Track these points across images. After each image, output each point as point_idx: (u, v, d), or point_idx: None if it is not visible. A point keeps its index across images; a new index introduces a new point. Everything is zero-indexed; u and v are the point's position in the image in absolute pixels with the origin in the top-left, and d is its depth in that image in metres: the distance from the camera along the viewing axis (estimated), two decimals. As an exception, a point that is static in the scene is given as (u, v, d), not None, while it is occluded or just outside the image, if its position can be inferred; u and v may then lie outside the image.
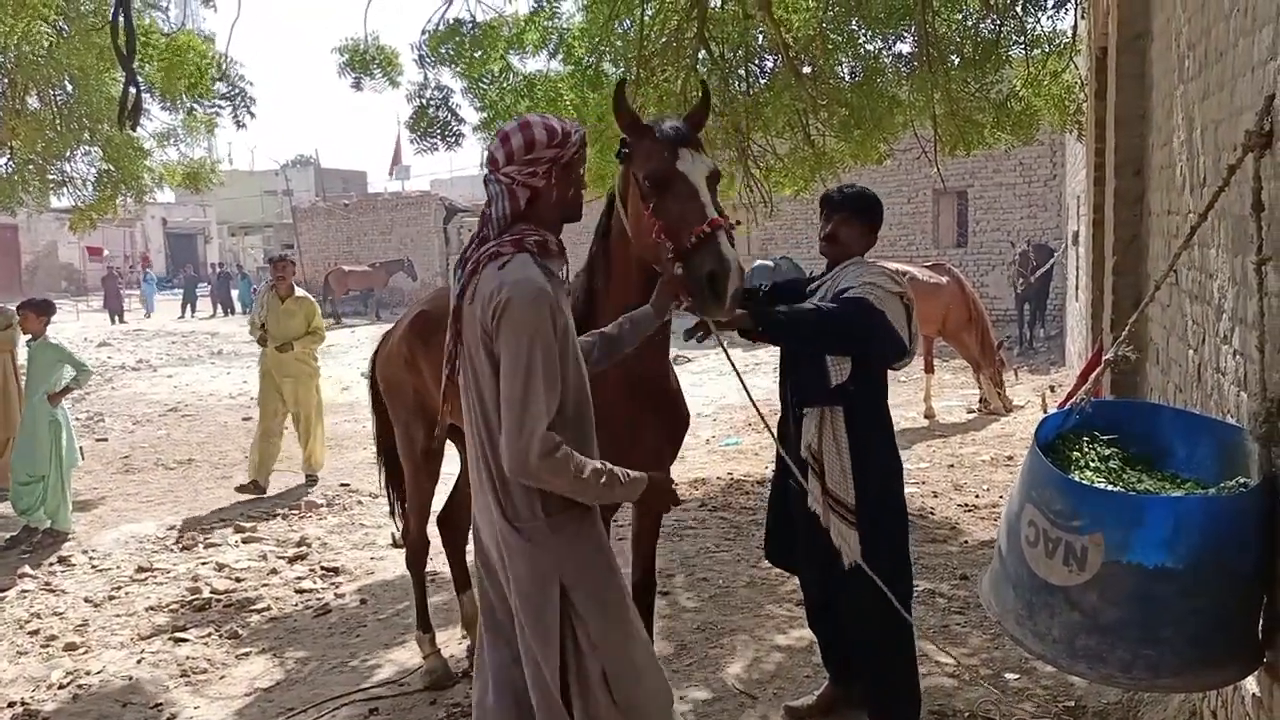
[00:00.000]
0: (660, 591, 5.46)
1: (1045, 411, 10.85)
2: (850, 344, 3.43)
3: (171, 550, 7.10)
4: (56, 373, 7.49)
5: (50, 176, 9.26)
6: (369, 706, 4.32)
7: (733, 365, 3.48)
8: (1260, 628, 2.37)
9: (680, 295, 2.93)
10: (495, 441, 2.48)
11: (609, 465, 2.50)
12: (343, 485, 8.97)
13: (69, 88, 8.76)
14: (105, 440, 11.85)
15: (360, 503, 8.33)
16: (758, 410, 3.55)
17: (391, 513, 5.05)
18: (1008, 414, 11.24)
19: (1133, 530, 2.26)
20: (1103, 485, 2.48)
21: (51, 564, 6.81)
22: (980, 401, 11.53)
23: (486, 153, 2.59)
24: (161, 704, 4.51)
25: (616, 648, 2.54)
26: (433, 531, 4.85)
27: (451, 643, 4.95)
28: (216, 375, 18.17)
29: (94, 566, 6.77)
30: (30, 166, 9.43)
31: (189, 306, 33.09)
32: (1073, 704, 4.02)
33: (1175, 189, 3.90)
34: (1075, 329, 11.68)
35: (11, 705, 4.49)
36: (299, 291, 8.96)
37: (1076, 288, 11.41)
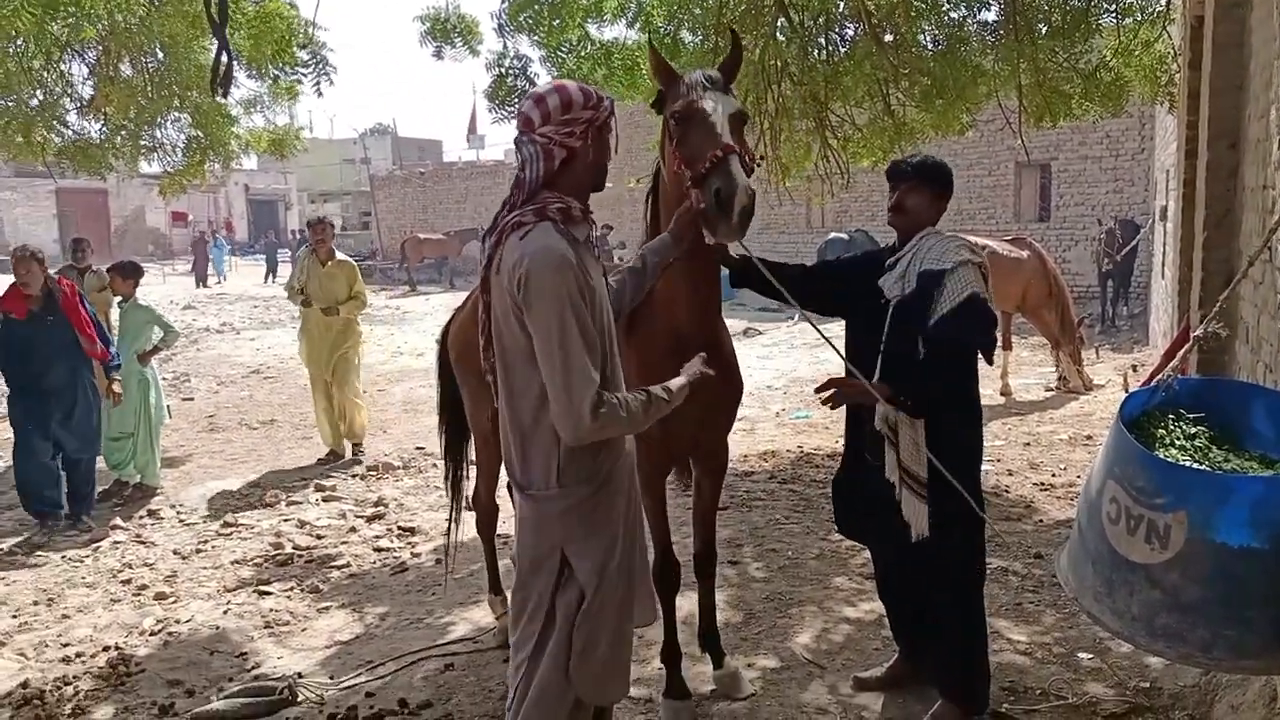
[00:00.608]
0: (729, 561, 5.51)
1: (1127, 391, 10.59)
2: (974, 357, 3.53)
3: (255, 507, 7.34)
4: (146, 333, 7.76)
5: (142, 142, 9.51)
6: (445, 662, 4.44)
7: (822, 335, 3.47)
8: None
9: (697, 219, 2.99)
10: (517, 409, 2.53)
11: (648, 390, 2.57)
12: (418, 448, 9.17)
13: (160, 55, 8.96)
14: (191, 400, 12.25)
15: (435, 465, 8.48)
16: (851, 370, 3.46)
17: (446, 478, 5.12)
18: (1088, 392, 11.01)
19: (1218, 509, 2.24)
20: (1188, 463, 2.44)
21: (142, 517, 7.10)
22: (1059, 379, 11.30)
23: (519, 114, 2.60)
24: (246, 653, 4.69)
25: (598, 627, 2.56)
26: (504, 496, 4.94)
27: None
28: (297, 339, 18.60)
29: (181, 520, 7.03)
30: (122, 132, 9.70)
31: (271, 272, 33.85)
32: (1148, 685, 3.96)
33: (1271, 163, 3.77)
34: (1161, 307, 11.37)
35: (107, 649, 4.70)
36: (339, 255, 8.73)
37: (1163, 264, 11.09)
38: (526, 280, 2.39)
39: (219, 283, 32.53)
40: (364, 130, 54.29)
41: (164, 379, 12.24)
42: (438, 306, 25.53)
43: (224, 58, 4.20)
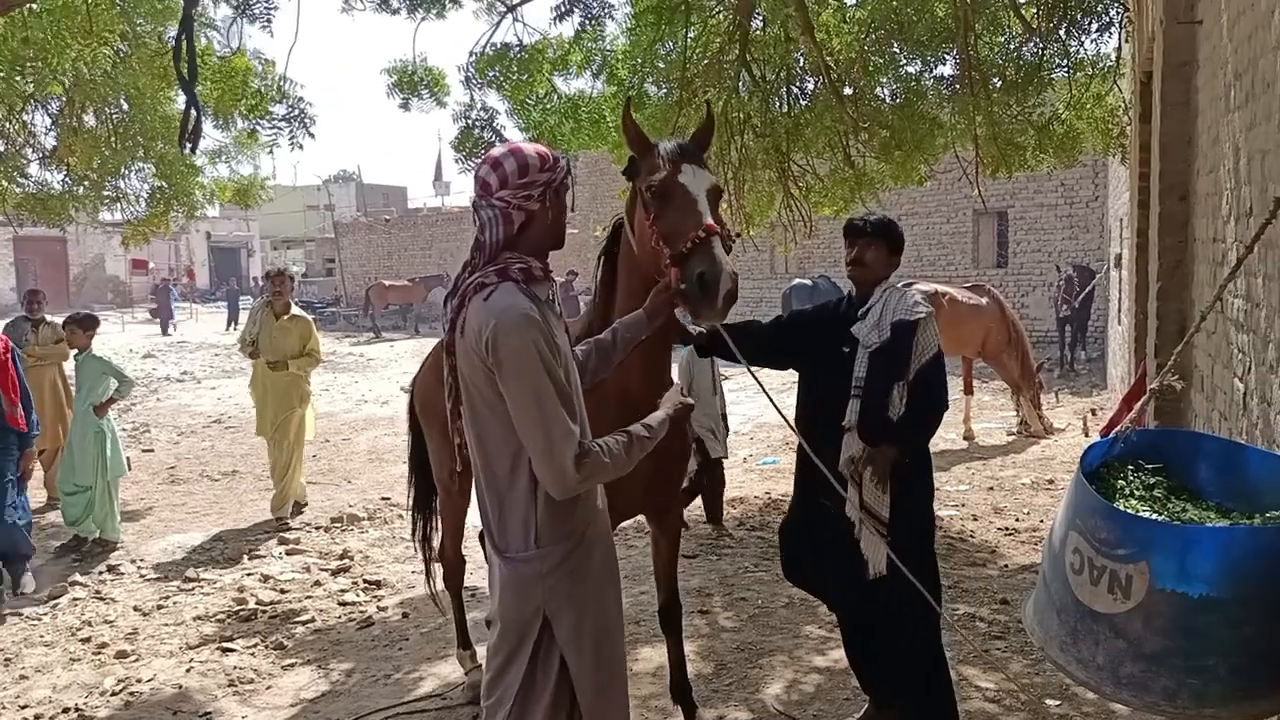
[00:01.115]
0: (699, 611, 5.51)
1: (1087, 435, 10.76)
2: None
3: (217, 561, 7.23)
4: (102, 384, 7.67)
5: (105, 192, 9.48)
6: (415, 719, 4.38)
7: (762, 388, 3.53)
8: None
9: (674, 299, 2.96)
10: (492, 471, 2.52)
11: (627, 430, 2.56)
12: (383, 499, 9.09)
13: (125, 106, 8.98)
14: (151, 451, 12.08)
15: (401, 516, 8.42)
16: (793, 428, 3.64)
17: (412, 533, 5.10)
18: (1048, 437, 11.16)
19: (1178, 559, 2.28)
20: (1148, 514, 2.49)
21: (101, 572, 6.97)
22: (1020, 424, 11.46)
23: (477, 178, 2.59)
24: (210, 713, 4.61)
25: (590, 688, 2.55)
26: (470, 548, 4.92)
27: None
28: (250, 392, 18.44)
29: (142, 576, 6.92)
30: (85, 183, 9.67)
31: (233, 320, 33.55)
32: (1115, 732, 4.00)
33: (1220, 216, 3.90)
34: (1118, 353, 11.59)
35: (67, 711, 4.61)
36: (295, 309, 8.43)
37: (1119, 311, 11.32)
38: (495, 341, 2.38)
39: (162, 333, 31.77)
40: (328, 177, 54.22)
41: (123, 430, 12.07)
42: (402, 353, 25.45)
43: (193, 113, 4.20)
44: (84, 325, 7.75)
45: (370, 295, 30.57)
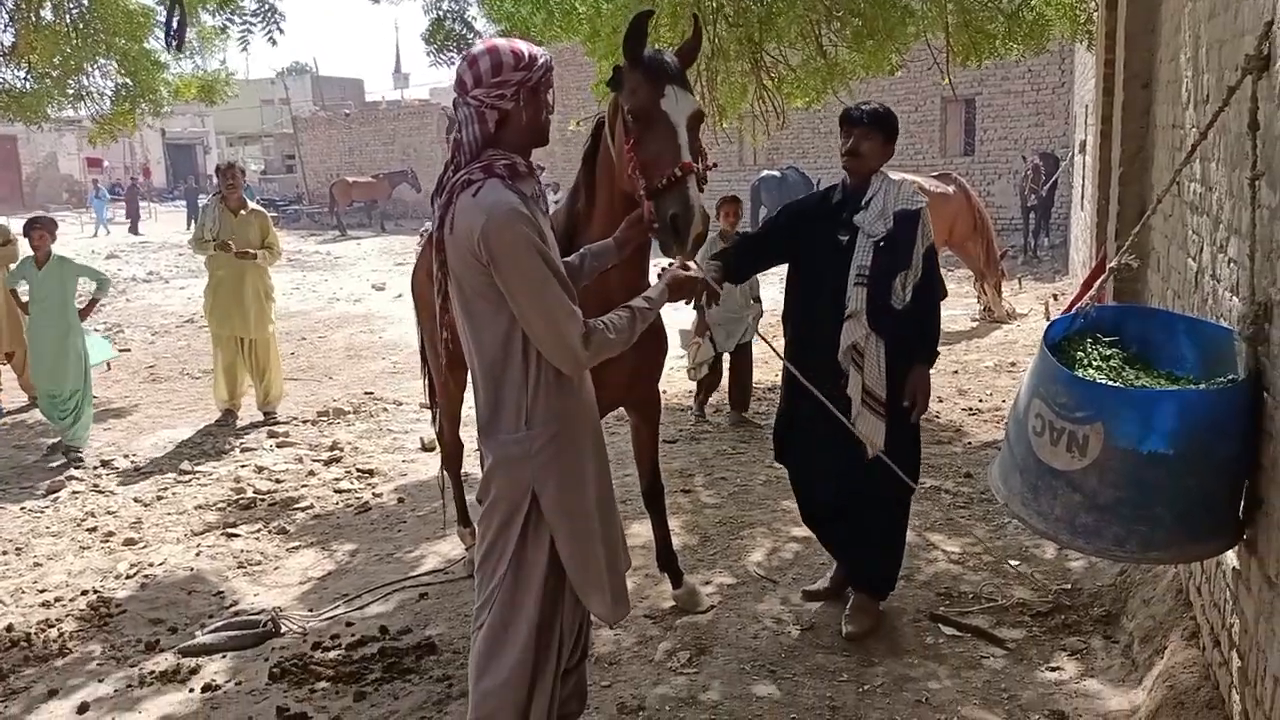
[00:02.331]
0: (682, 490, 5.81)
1: (1049, 319, 11.10)
2: None
3: (209, 455, 7.42)
4: (72, 286, 7.52)
5: (68, 90, 9.32)
6: (419, 592, 4.66)
7: (774, 350, 3.77)
8: (1241, 508, 2.65)
9: (647, 230, 3.06)
10: (485, 360, 2.63)
11: (630, 304, 2.70)
12: (366, 393, 9.28)
13: (85, 1, 8.79)
14: (128, 350, 12.13)
15: (385, 409, 8.64)
16: (786, 366, 3.90)
17: (433, 420, 5.30)
18: (1011, 321, 11.50)
19: (1129, 420, 2.53)
20: (1104, 381, 2.74)
21: (96, 467, 7.13)
22: (984, 310, 11.77)
23: (455, 76, 2.63)
24: (223, 592, 4.86)
25: (571, 558, 2.69)
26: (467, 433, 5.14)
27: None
28: (204, 294, 18.36)
29: (137, 469, 7.09)
30: (46, 80, 9.50)
31: (194, 219, 33.06)
32: (1069, 586, 4.35)
33: (1180, 103, 4.08)
34: (1081, 238, 11.86)
35: (85, 593, 4.83)
36: (251, 203, 8.28)
37: (1082, 197, 11.54)
38: (487, 236, 2.46)
39: (104, 234, 30.94)
40: (282, 70, 52.77)
41: (96, 329, 12.11)
42: (370, 251, 25.34)
43: (178, 12, 4.22)
44: (50, 228, 7.52)
45: (334, 192, 30.19)
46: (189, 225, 32.53)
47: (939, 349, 4.06)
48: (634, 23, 3.18)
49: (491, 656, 2.72)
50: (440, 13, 7.51)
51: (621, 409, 4.20)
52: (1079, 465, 2.59)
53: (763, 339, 4.23)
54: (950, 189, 11.32)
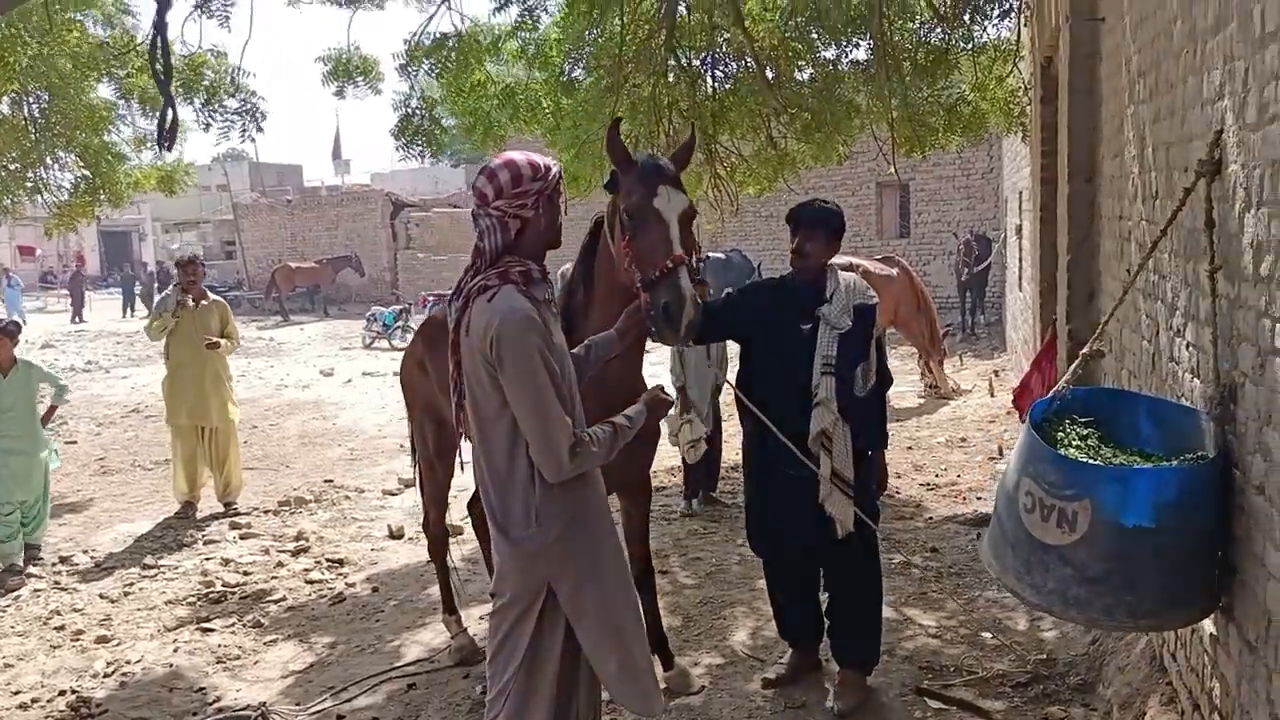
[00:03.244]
0: (660, 571, 5.87)
1: (993, 394, 11.47)
2: None
3: (170, 548, 7.31)
4: (33, 392, 7.25)
5: (27, 183, 9.32)
6: (406, 683, 4.66)
7: (746, 402, 3.94)
8: (1217, 577, 2.84)
9: (645, 321, 3.27)
10: (492, 459, 2.77)
11: (612, 421, 2.85)
12: (326, 481, 9.23)
13: (46, 96, 8.86)
14: (74, 443, 11.89)
15: (348, 497, 8.60)
16: (768, 423, 4.03)
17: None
18: (956, 397, 11.85)
19: (1115, 496, 2.72)
20: (1086, 460, 2.93)
21: (55, 564, 6.99)
22: (930, 386, 12.12)
23: (474, 190, 2.81)
24: (204, 688, 4.80)
25: (594, 646, 2.80)
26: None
27: (470, 622, 5.29)
28: (162, 386, 18.11)
29: (98, 565, 6.96)
30: (2, 173, 9.50)
31: (129, 306, 32.65)
32: (1044, 656, 4.51)
33: (1127, 197, 4.39)
34: (1019, 317, 12.31)
35: (63, 693, 4.74)
36: (211, 295, 8.33)
37: (1020, 278, 12.02)
38: (498, 341, 2.62)
39: (79, 321, 30.61)
40: (218, 155, 52.64)
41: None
42: (314, 336, 25.17)
43: (170, 112, 4.35)
44: (13, 334, 7.10)
45: (276, 278, 29.99)
46: (125, 313, 32.13)
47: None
48: (609, 133, 3.45)
49: None
50: (409, 109, 7.72)
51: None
52: (1070, 540, 2.77)
53: (732, 387, 4.33)
54: (894, 271, 11.74)
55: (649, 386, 4.00)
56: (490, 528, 2.85)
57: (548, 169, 2.80)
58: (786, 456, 3.99)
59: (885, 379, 4.18)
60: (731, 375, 4.38)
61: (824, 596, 4.39)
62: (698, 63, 8.55)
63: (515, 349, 2.61)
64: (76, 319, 30.22)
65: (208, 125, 6.86)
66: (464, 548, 6.58)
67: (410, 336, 21.77)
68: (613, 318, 3.40)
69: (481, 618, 5.36)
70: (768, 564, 4.42)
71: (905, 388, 12.60)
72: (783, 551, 4.31)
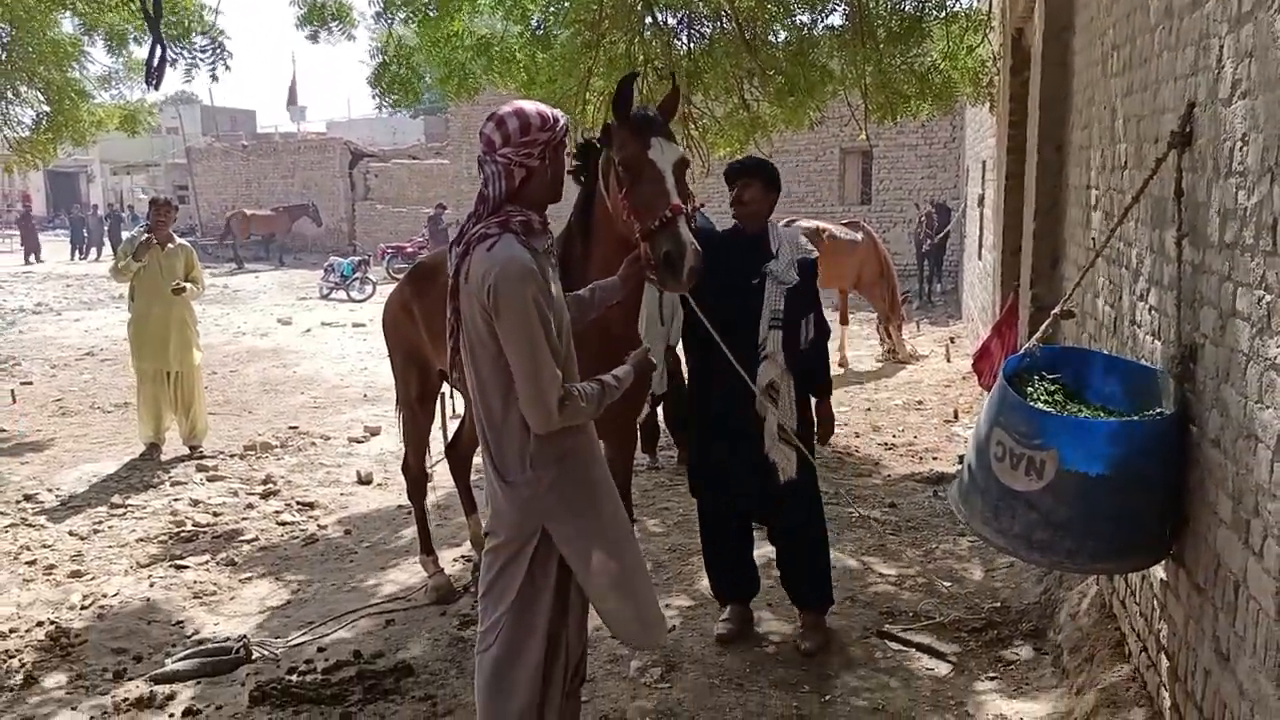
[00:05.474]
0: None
1: (949, 360, 11.75)
2: None
3: (136, 488, 7.32)
4: None
5: (-12, 117, 9.16)
6: (385, 618, 4.78)
7: (720, 344, 4.04)
8: (1170, 526, 3.03)
9: (645, 270, 3.35)
10: (488, 405, 2.83)
11: (600, 379, 2.91)
12: (291, 427, 9.25)
13: (7, 28, 8.68)
14: (30, 384, 11.76)
15: (314, 444, 8.64)
16: (744, 375, 4.11)
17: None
18: (914, 362, 12.10)
19: (1080, 446, 2.90)
20: (1054, 412, 3.11)
21: (20, 502, 6.97)
22: (888, 351, 12.37)
23: (481, 135, 2.84)
24: (182, 621, 4.88)
25: (594, 581, 2.89)
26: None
27: (446, 563, 5.40)
28: (126, 320, 17.89)
29: (64, 504, 6.96)
30: (-37, 106, 9.32)
31: (77, 248, 32.05)
32: (998, 604, 4.74)
33: (1095, 167, 4.56)
34: (977, 285, 12.57)
35: (40, 624, 4.79)
36: (178, 239, 8.34)
37: (980, 247, 12.26)
38: (495, 290, 2.66)
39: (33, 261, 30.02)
40: (168, 96, 51.40)
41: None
42: (269, 285, 24.91)
43: (159, 50, 4.35)
44: None
45: (232, 224, 29.59)
46: (73, 256, 31.53)
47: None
48: (620, 87, 3.53)
49: (502, 677, 2.89)
50: (386, 58, 7.69)
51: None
52: (1037, 486, 2.94)
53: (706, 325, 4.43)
54: (859, 236, 11.95)
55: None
56: (486, 470, 2.94)
57: (556, 120, 2.82)
58: (731, 407, 4.16)
59: (824, 330, 4.36)
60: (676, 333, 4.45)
61: (767, 552, 4.58)
62: (674, 21, 8.59)
63: (512, 299, 2.65)
64: (32, 258, 29.57)
65: (174, 61, 6.77)
66: (435, 493, 6.67)
67: (369, 289, 21.57)
68: (612, 268, 3.47)
69: (455, 560, 5.52)
70: (705, 516, 4.54)
71: (863, 351, 12.85)
72: (725, 502, 4.43)
